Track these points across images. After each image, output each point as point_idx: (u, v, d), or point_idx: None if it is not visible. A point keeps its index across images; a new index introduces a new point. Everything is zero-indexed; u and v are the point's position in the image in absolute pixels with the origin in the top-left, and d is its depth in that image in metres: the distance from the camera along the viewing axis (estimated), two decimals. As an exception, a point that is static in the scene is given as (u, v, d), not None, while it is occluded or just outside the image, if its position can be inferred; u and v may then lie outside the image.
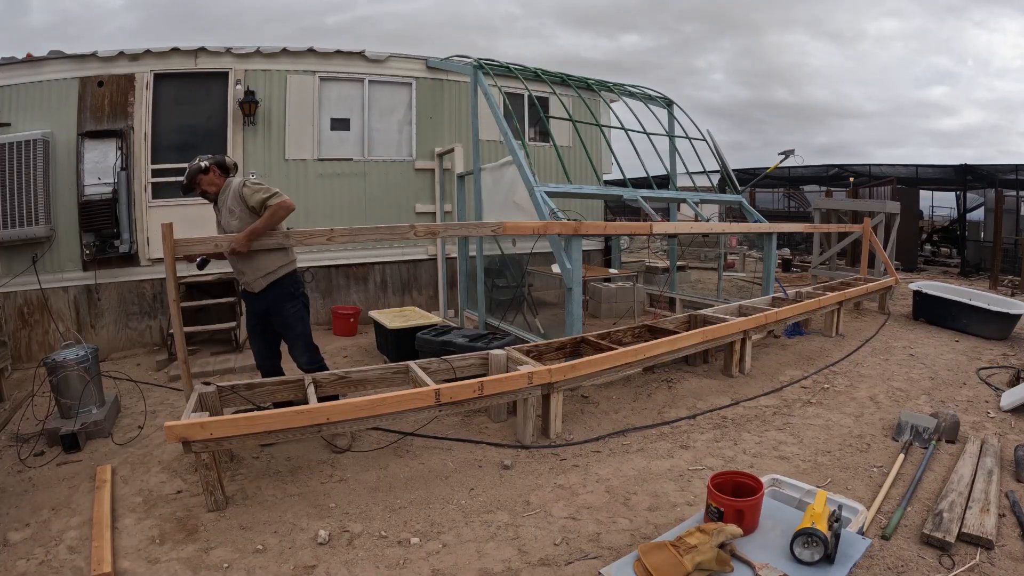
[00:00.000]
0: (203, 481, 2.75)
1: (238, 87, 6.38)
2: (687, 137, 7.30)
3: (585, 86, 7.04)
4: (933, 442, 3.36)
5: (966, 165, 12.52)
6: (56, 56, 5.84)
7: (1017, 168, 11.90)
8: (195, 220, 6.22)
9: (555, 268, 6.21)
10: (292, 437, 2.89)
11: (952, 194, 14.48)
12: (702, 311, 5.11)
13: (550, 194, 4.86)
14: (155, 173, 6.12)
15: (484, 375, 3.54)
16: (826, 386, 4.52)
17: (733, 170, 12.50)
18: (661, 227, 5.16)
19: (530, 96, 6.58)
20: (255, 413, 2.78)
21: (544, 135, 8.14)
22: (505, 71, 6.10)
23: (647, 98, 7.33)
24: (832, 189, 16.41)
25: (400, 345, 5.09)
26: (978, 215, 13.16)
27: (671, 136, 7.22)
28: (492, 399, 3.29)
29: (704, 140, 7.56)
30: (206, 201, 3.62)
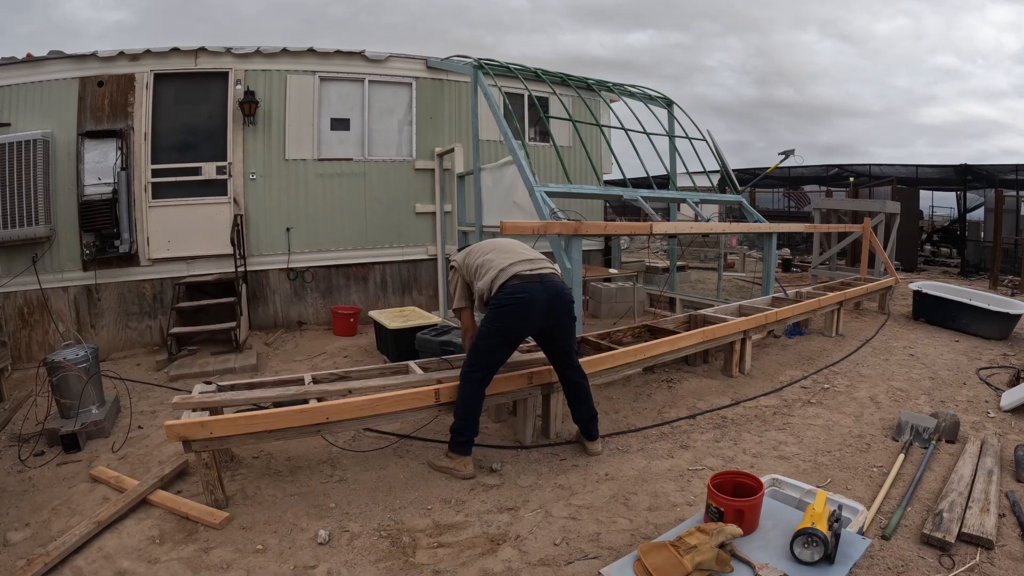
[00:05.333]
0: (203, 480, 2.75)
1: (238, 87, 6.38)
2: (687, 137, 7.30)
3: (585, 86, 7.04)
4: (933, 442, 3.36)
5: (966, 165, 12.53)
6: (56, 56, 5.83)
7: (1017, 168, 11.91)
8: (195, 221, 6.25)
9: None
10: (292, 436, 2.89)
11: (952, 194, 14.48)
12: (702, 311, 5.11)
13: (550, 194, 4.86)
14: (155, 173, 6.11)
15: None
16: (826, 386, 4.52)
17: (734, 170, 12.51)
18: (661, 227, 5.15)
19: (530, 96, 6.58)
20: (255, 413, 2.78)
21: (544, 135, 8.14)
22: (505, 71, 6.10)
23: (647, 98, 7.33)
24: (832, 189, 16.43)
25: (400, 345, 5.10)
26: (978, 215, 13.17)
27: (671, 136, 7.22)
28: (492, 399, 3.28)
29: (704, 140, 7.56)
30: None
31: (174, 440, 2.64)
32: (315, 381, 3.39)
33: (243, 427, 2.69)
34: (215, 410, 3.01)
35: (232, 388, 3.26)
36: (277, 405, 3.02)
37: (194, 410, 2.96)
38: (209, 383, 3.31)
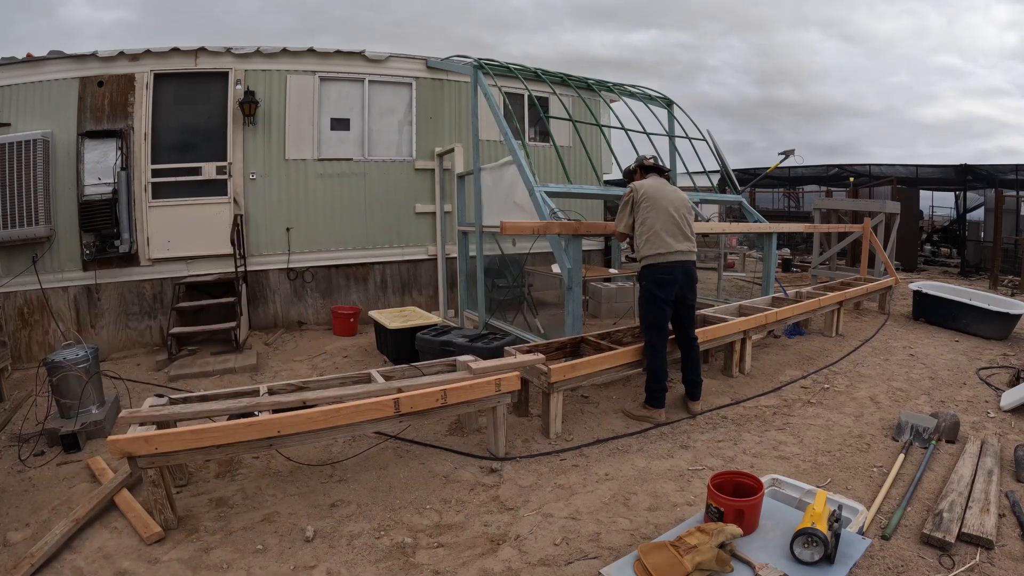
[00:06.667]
0: (151, 499, 2.57)
1: (238, 87, 6.38)
2: (687, 137, 7.30)
3: (585, 86, 7.04)
4: (933, 442, 3.36)
5: (966, 165, 12.52)
6: (56, 56, 5.84)
7: (1017, 168, 11.91)
8: (194, 221, 6.25)
9: (555, 268, 6.21)
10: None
11: (952, 194, 14.48)
12: (702, 311, 5.11)
13: (550, 194, 4.85)
14: (155, 173, 6.12)
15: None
16: (826, 386, 4.52)
17: (734, 170, 12.49)
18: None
19: (530, 96, 6.58)
20: (202, 427, 2.63)
21: (544, 135, 8.14)
22: (505, 71, 6.09)
23: (647, 98, 7.32)
24: (832, 189, 16.43)
25: (400, 345, 5.10)
26: (978, 215, 13.17)
27: (671, 136, 7.21)
28: (487, 401, 3.28)
29: (704, 140, 7.56)
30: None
31: (118, 457, 2.48)
32: (271, 392, 3.25)
33: (189, 442, 2.52)
34: (166, 424, 2.85)
35: (184, 401, 3.13)
36: (232, 418, 2.87)
37: (141, 424, 2.79)
38: (161, 396, 3.17)
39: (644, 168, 4.02)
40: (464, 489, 2.95)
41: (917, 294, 6.77)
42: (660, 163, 4.08)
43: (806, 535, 1.87)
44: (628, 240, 3.97)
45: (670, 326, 3.90)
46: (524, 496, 2.87)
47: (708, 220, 6.83)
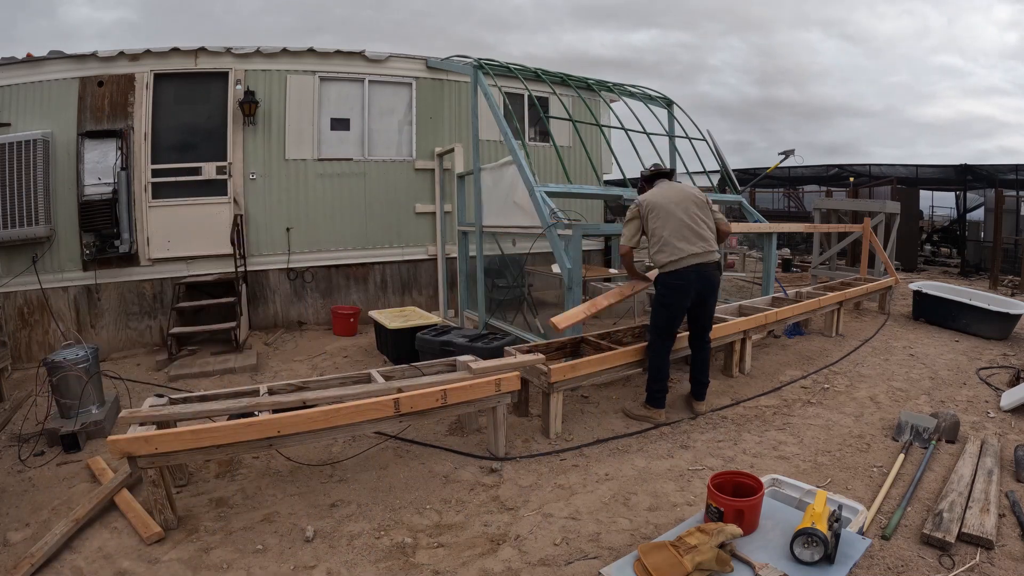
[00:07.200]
0: (151, 499, 2.57)
1: (238, 87, 6.38)
2: (687, 137, 7.30)
3: (585, 86, 7.04)
4: (933, 442, 3.36)
5: (966, 165, 12.51)
6: (56, 56, 5.84)
7: (1017, 168, 11.89)
8: (194, 220, 6.25)
9: (555, 268, 6.21)
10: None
11: (952, 194, 14.47)
12: (702, 311, 5.10)
13: (550, 194, 4.85)
14: (155, 173, 6.12)
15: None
16: (826, 386, 4.52)
17: (734, 170, 12.47)
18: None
19: (530, 96, 6.58)
20: (202, 427, 2.64)
21: (544, 135, 8.14)
22: (505, 71, 6.09)
23: (647, 98, 7.32)
24: (832, 189, 16.42)
25: (400, 345, 5.10)
26: (978, 215, 13.16)
27: (671, 136, 7.21)
28: (487, 400, 3.28)
29: (704, 140, 7.55)
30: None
31: (118, 456, 2.49)
32: (271, 392, 3.25)
33: (189, 442, 2.52)
34: (166, 424, 2.85)
35: (184, 401, 3.13)
36: (232, 418, 2.87)
37: (141, 424, 2.79)
38: (161, 396, 3.17)
39: (646, 179, 3.99)
40: (464, 489, 2.95)
41: (917, 294, 6.77)
42: (661, 168, 4.00)
43: (806, 535, 1.87)
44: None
45: (686, 321, 3.88)
46: (524, 496, 2.87)
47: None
